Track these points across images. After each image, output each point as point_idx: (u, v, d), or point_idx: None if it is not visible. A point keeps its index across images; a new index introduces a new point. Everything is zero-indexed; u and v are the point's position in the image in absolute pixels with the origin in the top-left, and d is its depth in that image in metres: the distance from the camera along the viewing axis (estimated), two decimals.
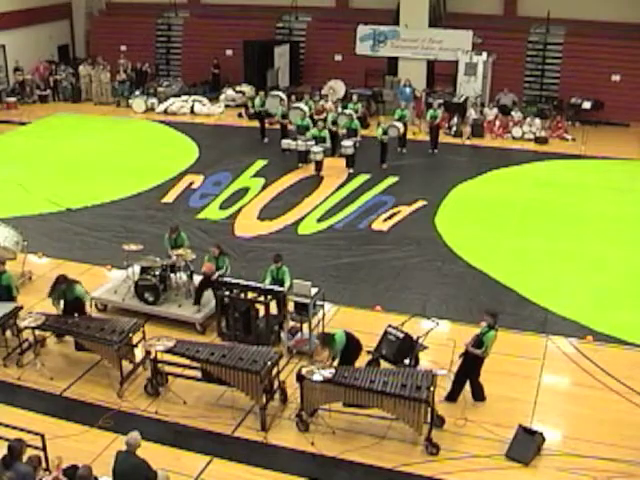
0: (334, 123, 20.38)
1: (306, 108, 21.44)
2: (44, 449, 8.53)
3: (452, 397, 10.15)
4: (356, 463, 9.13)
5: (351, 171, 19.37)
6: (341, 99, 24.60)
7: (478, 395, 10.20)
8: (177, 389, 10.45)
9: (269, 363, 9.76)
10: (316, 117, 23.67)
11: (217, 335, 11.77)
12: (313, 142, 19.54)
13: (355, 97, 22.94)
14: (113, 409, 10.09)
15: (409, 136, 22.56)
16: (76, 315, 11.14)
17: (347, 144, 19.42)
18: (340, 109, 21.63)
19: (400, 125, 20.24)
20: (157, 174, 19.44)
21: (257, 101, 22.43)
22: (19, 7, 28.18)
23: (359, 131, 20.01)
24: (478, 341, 9.89)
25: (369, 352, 10.44)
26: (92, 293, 12.27)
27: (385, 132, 19.73)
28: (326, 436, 9.57)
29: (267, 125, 22.37)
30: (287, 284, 11.74)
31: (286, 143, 20.18)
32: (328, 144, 19.73)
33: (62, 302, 11.34)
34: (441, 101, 22.18)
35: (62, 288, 11.25)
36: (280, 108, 21.46)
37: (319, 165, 19.33)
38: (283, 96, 22.56)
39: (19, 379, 10.79)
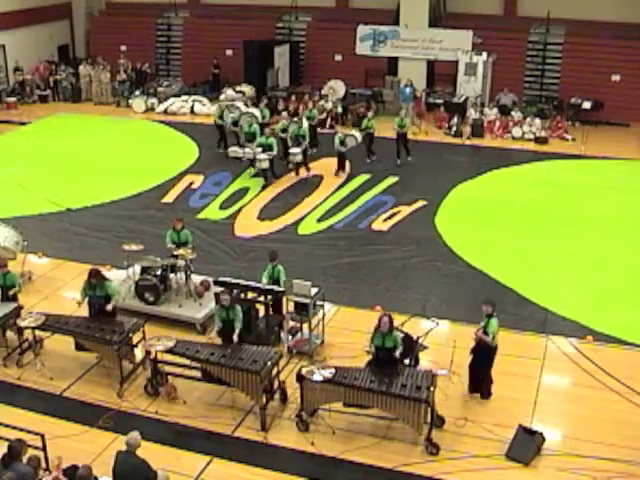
0: (284, 130, 19.73)
1: (258, 114, 21.00)
2: (44, 449, 8.53)
3: (486, 393, 10.24)
4: (356, 463, 9.13)
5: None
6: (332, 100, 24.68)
7: (486, 391, 10.20)
8: (177, 389, 10.45)
9: (269, 363, 9.76)
10: (319, 117, 23.77)
11: (217, 335, 11.76)
12: (261, 150, 18.84)
13: (311, 104, 22.24)
14: (113, 409, 10.09)
15: (409, 136, 22.60)
16: (108, 308, 11.00)
17: (295, 151, 19.02)
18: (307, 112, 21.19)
19: (359, 135, 19.78)
20: (157, 174, 19.44)
21: (216, 112, 21.62)
22: (19, 7, 28.16)
23: (306, 137, 19.31)
24: (483, 332, 9.91)
25: (368, 352, 10.41)
26: None
27: (342, 142, 19.18)
28: (326, 436, 9.57)
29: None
30: (282, 283, 11.75)
31: (233, 151, 19.72)
32: (275, 152, 18.91)
33: (87, 298, 11.15)
34: (404, 111, 21.62)
35: (94, 283, 11.03)
36: (230, 116, 20.90)
37: (266, 173, 18.78)
38: (239, 104, 22.10)
39: (19, 379, 10.79)
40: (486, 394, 10.28)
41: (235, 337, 10.46)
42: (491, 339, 9.85)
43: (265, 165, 18.62)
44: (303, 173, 19.30)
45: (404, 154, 20.06)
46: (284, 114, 20.68)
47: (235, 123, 20.76)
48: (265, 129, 19.52)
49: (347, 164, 19.54)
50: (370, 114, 21.23)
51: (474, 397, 10.29)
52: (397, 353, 9.77)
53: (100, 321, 10.91)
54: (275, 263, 11.86)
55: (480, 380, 10.26)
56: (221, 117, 20.99)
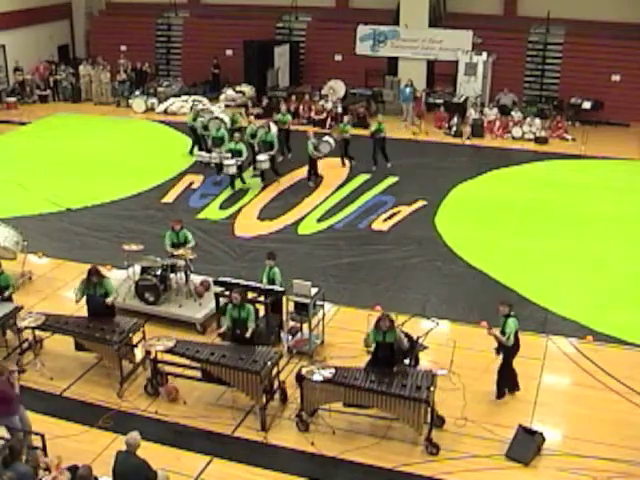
0: (253, 136, 19.08)
1: (227, 119, 20.55)
2: (44, 449, 8.54)
3: (514, 388, 10.28)
4: (356, 463, 9.13)
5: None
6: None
7: (501, 390, 10.23)
8: (179, 391, 10.44)
9: (269, 363, 9.76)
10: (316, 117, 23.77)
11: (217, 335, 11.76)
12: (230, 155, 18.29)
13: (284, 107, 20.94)
14: (113, 409, 10.09)
15: (409, 136, 22.72)
16: (108, 301, 10.98)
17: (262, 158, 18.41)
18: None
19: (332, 140, 18.91)
20: (157, 174, 19.44)
21: (190, 115, 21.15)
22: (19, 7, 28.16)
23: (275, 144, 18.72)
24: (500, 332, 9.91)
25: (369, 352, 10.41)
26: None
27: (316, 148, 18.42)
28: (326, 436, 9.57)
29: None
30: (277, 285, 11.76)
31: (199, 155, 19.49)
32: (244, 157, 18.33)
33: (85, 297, 11.13)
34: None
35: (93, 281, 10.99)
36: (200, 120, 20.31)
37: (234, 179, 18.24)
38: (212, 108, 21.81)
39: (19, 379, 10.78)
40: (501, 395, 10.27)
41: (248, 334, 10.42)
42: (506, 339, 9.81)
43: (232, 171, 18.08)
44: (275, 185, 18.51)
45: (382, 159, 19.38)
46: (252, 118, 20.30)
47: (205, 127, 20.29)
48: (235, 134, 18.95)
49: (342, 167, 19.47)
50: (346, 119, 20.62)
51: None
52: (402, 347, 9.76)
53: (100, 321, 10.90)
54: (272, 263, 11.85)
55: (498, 379, 10.24)
56: (195, 120, 20.47)
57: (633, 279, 13.73)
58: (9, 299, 11.68)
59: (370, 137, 19.56)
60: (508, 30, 25.54)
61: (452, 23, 25.22)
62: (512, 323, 9.87)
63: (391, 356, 9.78)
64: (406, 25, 24.80)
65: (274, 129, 19.57)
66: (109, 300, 11.02)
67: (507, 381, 10.26)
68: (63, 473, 7.74)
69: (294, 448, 9.43)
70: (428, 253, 14.93)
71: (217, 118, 20.48)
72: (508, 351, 10.02)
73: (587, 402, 10.27)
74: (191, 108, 21.77)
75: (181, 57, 30.12)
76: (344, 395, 9.43)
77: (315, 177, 18.77)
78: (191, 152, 20.58)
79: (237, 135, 18.76)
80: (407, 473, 8.96)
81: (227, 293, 11.52)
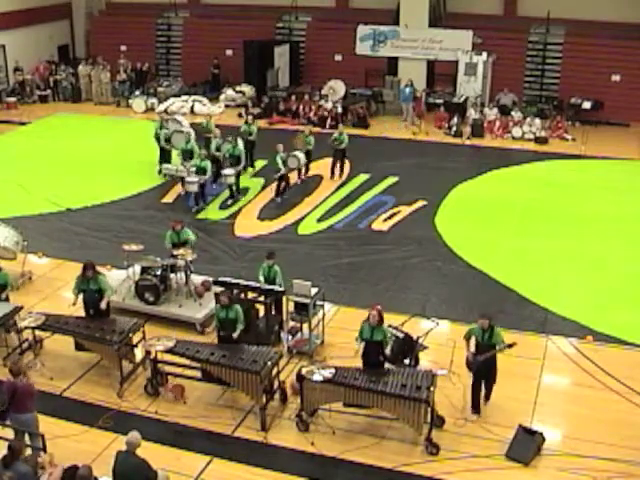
0: (218, 149, 18.32)
1: (191, 131, 19.29)
2: (44, 449, 8.54)
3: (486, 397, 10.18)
4: (356, 463, 9.13)
5: (229, 202, 17.55)
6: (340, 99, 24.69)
7: (487, 396, 10.19)
8: (184, 389, 10.45)
9: (269, 363, 9.76)
10: (314, 117, 23.75)
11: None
12: (186, 170, 17.48)
13: (250, 118, 19.98)
14: (113, 409, 10.09)
15: (409, 136, 22.71)
16: (102, 306, 10.95)
17: (228, 172, 17.56)
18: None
19: (302, 156, 18.30)
20: (157, 174, 19.41)
21: (156, 124, 19.96)
22: (19, 7, 28.16)
23: (242, 158, 17.95)
24: (488, 345, 9.76)
25: (357, 352, 10.40)
26: None
27: (284, 162, 17.69)
28: (326, 436, 9.57)
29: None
30: (278, 283, 11.77)
31: (166, 168, 18.37)
32: (207, 176, 17.28)
33: (82, 294, 11.12)
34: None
35: (88, 276, 10.98)
36: (163, 132, 19.23)
37: (197, 197, 17.25)
38: (179, 118, 20.72)
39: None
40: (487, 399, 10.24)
41: (235, 335, 10.44)
42: (502, 347, 9.73)
43: (194, 188, 17.08)
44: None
45: (337, 171, 19.01)
46: (217, 131, 18.97)
47: (167, 140, 19.16)
48: (201, 151, 17.91)
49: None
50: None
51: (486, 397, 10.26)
52: (387, 350, 9.77)
53: (100, 321, 10.91)
54: (272, 262, 11.86)
55: (489, 388, 10.15)
56: (160, 129, 19.38)
57: (633, 279, 13.74)
58: (6, 299, 11.67)
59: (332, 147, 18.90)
60: (508, 30, 25.54)
61: (452, 23, 25.23)
62: (499, 330, 9.81)
63: (379, 355, 9.76)
64: (406, 25, 24.81)
65: (240, 144, 18.43)
66: (103, 305, 11.01)
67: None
68: (56, 466, 7.75)
69: (294, 448, 9.43)
70: (428, 253, 14.93)
71: (181, 131, 19.21)
72: (494, 357, 9.89)
73: (587, 402, 10.27)
74: (160, 118, 20.37)
75: (181, 57, 30.13)
76: (344, 395, 9.42)
77: (285, 190, 17.82)
78: (159, 171, 19.12)
79: (203, 152, 17.77)
80: (407, 473, 8.96)
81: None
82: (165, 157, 19.33)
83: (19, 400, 8.59)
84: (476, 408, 9.97)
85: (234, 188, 17.83)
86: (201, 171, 17.25)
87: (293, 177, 18.47)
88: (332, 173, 19.09)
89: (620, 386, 10.53)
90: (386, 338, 9.89)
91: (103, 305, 11.04)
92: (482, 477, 8.92)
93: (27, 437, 8.75)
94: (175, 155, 19.04)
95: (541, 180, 18.95)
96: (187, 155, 18.09)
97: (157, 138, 19.45)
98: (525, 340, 11.73)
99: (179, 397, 10.31)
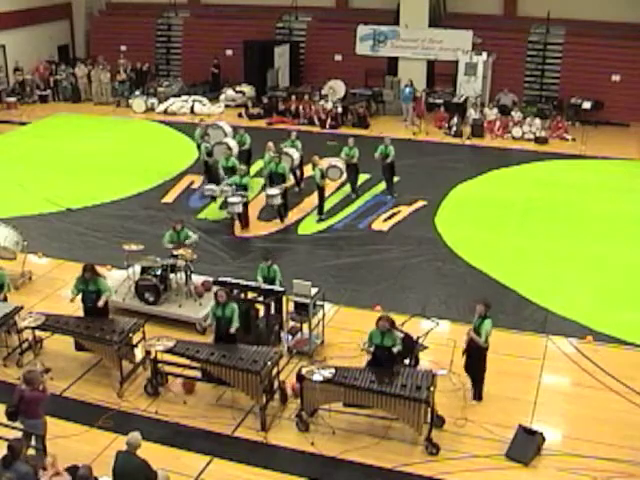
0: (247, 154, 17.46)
1: (234, 144, 17.75)
2: (44, 449, 8.54)
3: (478, 396, 10.21)
4: (356, 463, 9.13)
5: (281, 225, 16.18)
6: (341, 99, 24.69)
7: (478, 394, 10.19)
8: (177, 389, 10.47)
9: (269, 363, 9.76)
10: (315, 117, 23.73)
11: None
12: (230, 190, 15.75)
13: (294, 135, 18.22)
14: (113, 409, 10.09)
15: (409, 136, 22.70)
16: (99, 304, 10.93)
17: (273, 192, 15.91)
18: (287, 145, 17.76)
19: (342, 165, 17.07)
20: (157, 174, 19.43)
21: (198, 133, 18.89)
22: (19, 7, 28.15)
23: (287, 176, 16.50)
24: (475, 333, 9.89)
25: (364, 350, 10.40)
26: None
27: (323, 175, 16.53)
28: (326, 436, 9.57)
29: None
30: (277, 283, 11.78)
31: (209, 189, 16.36)
32: (250, 192, 16.23)
33: (81, 295, 11.12)
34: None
35: (87, 277, 10.98)
36: (204, 145, 17.76)
37: (240, 217, 15.89)
38: (221, 124, 19.21)
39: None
40: (479, 397, 10.23)
41: (232, 330, 10.42)
42: (483, 341, 9.82)
43: (238, 209, 15.62)
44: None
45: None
46: (270, 144, 17.27)
47: (209, 153, 17.73)
48: (240, 166, 16.57)
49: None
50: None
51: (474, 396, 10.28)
52: (395, 350, 9.76)
53: (100, 321, 10.91)
54: (269, 263, 11.86)
55: (474, 382, 10.22)
56: (200, 144, 18.03)
57: (633, 279, 13.73)
58: (4, 299, 11.67)
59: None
60: (508, 30, 25.55)
61: (452, 23, 25.23)
62: (488, 324, 9.84)
63: (389, 360, 9.76)
64: (406, 25, 24.81)
65: (295, 154, 17.21)
66: (100, 302, 10.99)
67: (482, 381, 10.18)
68: (62, 474, 7.74)
69: (294, 448, 9.42)
70: (428, 253, 14.93)
71: (222, 144, 17.65)
72: (483, 353, 9.95)
73: (587, 402, 10.27)
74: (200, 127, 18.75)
75: (181, 57, 30.13)
76: (344, 395, 9.42)
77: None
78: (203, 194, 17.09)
79: (243, 167, 16.47)
80: (407, 473, 8.96)
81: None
82: (211, 174, 17.60)
83: (26, 406, 8.64)
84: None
85: (282, 210, 16.31)
86: (242, 189, 15.84)
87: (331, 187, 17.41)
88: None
89: (620, 386, 10.53)
90: (396, 343, 9.83)
91: (100, 303, 11.02)
92: (482, 477, 8.92)
93: (34, 440, 8.79)
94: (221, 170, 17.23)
95: (541, 180, 18.95)
96: (228, 172, 16.72)
97: (199, 149, 18.26)
98: (525, 340, 11.75)
99: (189, 392, 10.35)
